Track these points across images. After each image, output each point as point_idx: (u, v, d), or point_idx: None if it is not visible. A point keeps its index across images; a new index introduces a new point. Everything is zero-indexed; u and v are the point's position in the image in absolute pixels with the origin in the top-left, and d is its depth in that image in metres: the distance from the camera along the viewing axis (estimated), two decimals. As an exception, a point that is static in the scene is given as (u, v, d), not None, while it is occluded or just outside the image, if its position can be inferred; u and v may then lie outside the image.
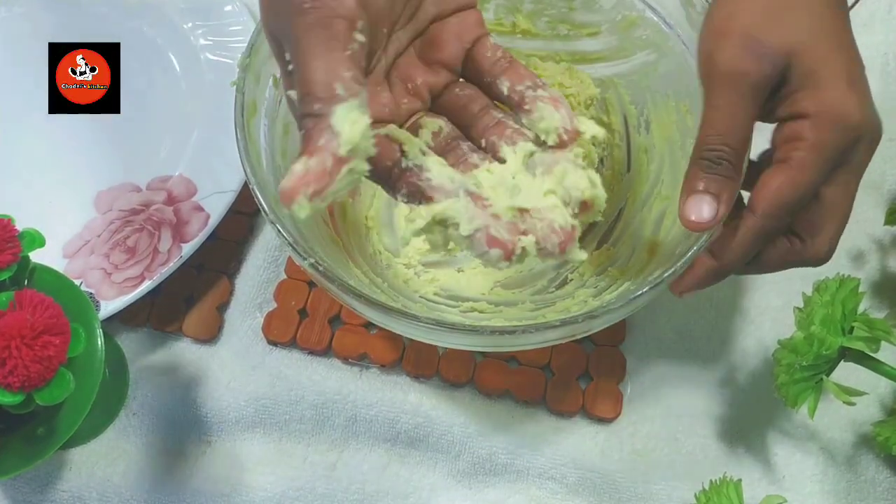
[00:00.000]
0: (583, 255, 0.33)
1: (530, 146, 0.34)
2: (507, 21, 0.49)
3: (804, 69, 0.35)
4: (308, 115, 0.29)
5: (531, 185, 0.33)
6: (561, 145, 0.33)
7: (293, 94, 0.30)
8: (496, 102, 0.36)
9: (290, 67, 0.30)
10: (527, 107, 0.34)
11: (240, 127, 0.39)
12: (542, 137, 0.34)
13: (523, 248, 0.31)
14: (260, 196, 0.38)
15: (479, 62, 0.35)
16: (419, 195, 0.32)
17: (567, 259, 0.32)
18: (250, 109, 0.40)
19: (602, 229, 0.48)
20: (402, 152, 0.33)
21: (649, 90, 0.47)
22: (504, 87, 0.34)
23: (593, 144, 0.45)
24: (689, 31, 0.43)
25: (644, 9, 0.45)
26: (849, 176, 0.37)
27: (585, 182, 0.33)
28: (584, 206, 0.33)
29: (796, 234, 0.38)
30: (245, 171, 0.38)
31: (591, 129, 0.34)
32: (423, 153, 0.33)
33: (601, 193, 0.33)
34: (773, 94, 0.36)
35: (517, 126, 0.34)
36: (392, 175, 0.33)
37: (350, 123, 0.28)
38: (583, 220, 0.34)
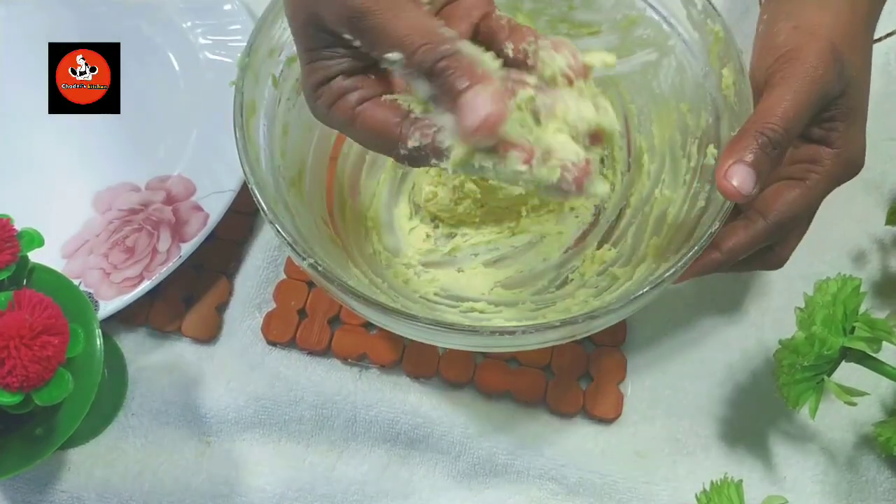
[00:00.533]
0: (604, 188, 0.32)
1: (529, 92, 0.33)
2: None
3: (850, 103, 0.39)
4: (440, 59, 0.30)
5: (539, 132, 0.32)
6: (570, 83, 0.33)
7: (392, 55, 0.30)
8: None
9: (358, 44, 0.31)
10: (530, 61, 0.34)
11: (238, 127, 0.39)
12: (551, 86, 0.33)
13: (547, 156, 0.31)
14: (259, 196, 0.38)
15: (484, 33, 0.35)
16: (430, 146, 0.32)
17: (588, 194, 0.32)
18: (249, 109, 0.40)
19: (602, 229, 0.48)
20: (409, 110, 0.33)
21: (650, 90, 0.47)
22: (509, 49, 0.34)
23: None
24: (690, 31, 0.43)
25: (645, 8, 0.45)
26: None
27: (590, 111, 0.32)
28: (595, 136, 0.32)
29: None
30: (244, 170, 0.38)
31: (598, 59, 0.33)
32: (429, 110, 0.33)
33: (608, 118, 0.32)
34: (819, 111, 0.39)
35: (518, 78, 0.34)
36: (401, 129, 0.32)
37: (479, 51, 0.30)
38: (602, 147, 0.33)
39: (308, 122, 0.46)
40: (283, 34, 0.42)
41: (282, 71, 0.42)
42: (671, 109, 0.45)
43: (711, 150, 0.41)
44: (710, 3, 0.42)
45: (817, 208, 0.41)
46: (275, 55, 0.42)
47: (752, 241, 0.40)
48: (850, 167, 0.40)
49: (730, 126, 0.40)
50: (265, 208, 0.37)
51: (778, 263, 0.43)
